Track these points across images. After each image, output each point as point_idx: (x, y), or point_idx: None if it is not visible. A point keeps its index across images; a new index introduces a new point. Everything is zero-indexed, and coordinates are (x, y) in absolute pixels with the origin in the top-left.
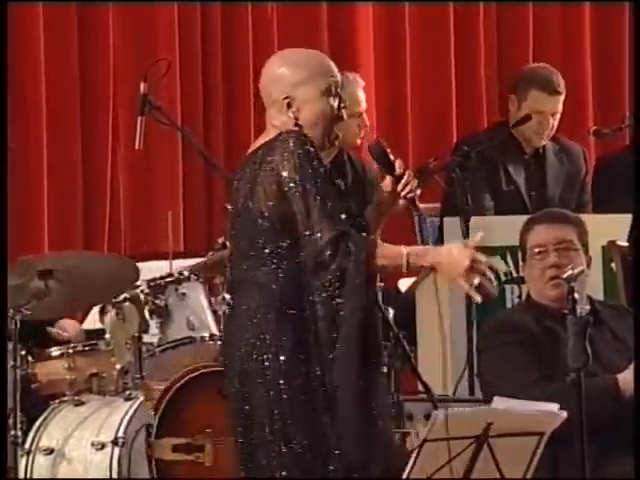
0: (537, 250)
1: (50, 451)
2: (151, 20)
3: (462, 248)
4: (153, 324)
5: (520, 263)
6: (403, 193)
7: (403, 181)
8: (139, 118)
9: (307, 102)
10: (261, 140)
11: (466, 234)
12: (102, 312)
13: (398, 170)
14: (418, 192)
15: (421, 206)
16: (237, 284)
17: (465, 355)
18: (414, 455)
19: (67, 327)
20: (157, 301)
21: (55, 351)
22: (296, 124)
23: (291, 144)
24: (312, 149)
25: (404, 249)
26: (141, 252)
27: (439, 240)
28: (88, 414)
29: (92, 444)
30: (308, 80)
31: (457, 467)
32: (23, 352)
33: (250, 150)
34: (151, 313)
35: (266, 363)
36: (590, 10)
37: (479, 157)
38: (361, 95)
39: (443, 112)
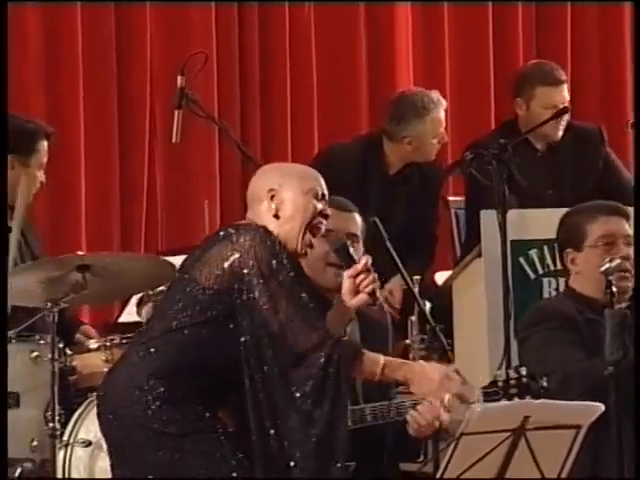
0: (605, 241)
1: (88, 443)
2: (188, 13)
3: (436, 366)
4: None
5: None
6: (362, 287)
7: (362, 275)
8: (176, 112)
9: (290, 194)
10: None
11: (503, 227)
12: (139, 305)
13: (361, 265)
14: (377, 284)
15: (456, 199)
16: (150, 337)
17: (502, 348)
18: (451, 449)
19: (90, 332)
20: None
21: (93, 344)
22: (275, 215)
23: (260, 236)
24: (279, 247)
25: (381, 359)
26: (178, 245)
27: (471, 232)
28: None
29: None
30: (295, 178)
31: (494, 461)
32: (61, 345)
33: None
34: None
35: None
36: (629, 8)
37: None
38: (442, 115)
39: (481, 107)
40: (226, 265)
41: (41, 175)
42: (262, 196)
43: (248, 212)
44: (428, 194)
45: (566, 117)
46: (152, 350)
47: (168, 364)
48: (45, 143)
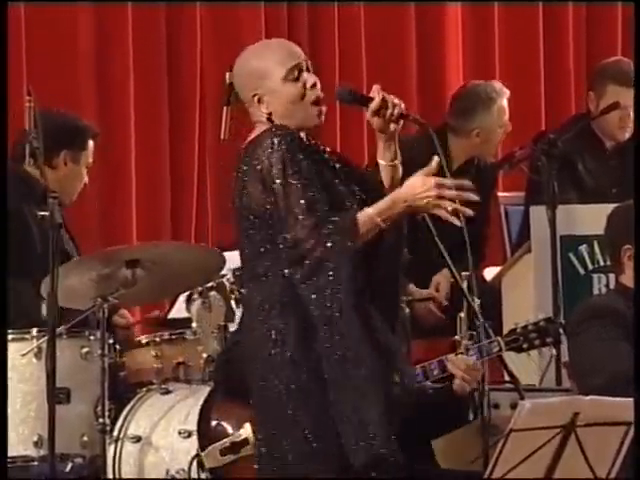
0: None
1: (137, 439)
2: (238, 13)
3: (424, 178)
4: (239, 313)
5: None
6: (388, 118)
7: (383, 108)
8: (225, 108)
9: (273, 93)
10: (252, 136)
11: (553, 222)
12: (188, 301)
13: (377, 97)
14: (402, 106)
15: (506, 194)
16: (244, 281)
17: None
18: (500, 445)
19: (126, 314)
20: (243, 290)
21: (143, 339)
22: (269, 118)
23: (273, 141)
24: (293, 144)
25: (370, 210)
26: (227, 241)
27: (524, 229)
28: (175, 402)
29: (179, 432)
30: (268, 71)
31: (543, 458)
32: (111, 340)
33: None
34: (237, 302)
35: (274, 358)
36: None
37: (558, 156)
38: (506, 104)
39: (531, 107)
40: (255, 181)
41: (85, 176)
42: (250, 100)
43: (249, 109)
44: (482, 190)
45: (632, 119)
46: (260, 298)
47: (278, 303)
48: (92, 143)
